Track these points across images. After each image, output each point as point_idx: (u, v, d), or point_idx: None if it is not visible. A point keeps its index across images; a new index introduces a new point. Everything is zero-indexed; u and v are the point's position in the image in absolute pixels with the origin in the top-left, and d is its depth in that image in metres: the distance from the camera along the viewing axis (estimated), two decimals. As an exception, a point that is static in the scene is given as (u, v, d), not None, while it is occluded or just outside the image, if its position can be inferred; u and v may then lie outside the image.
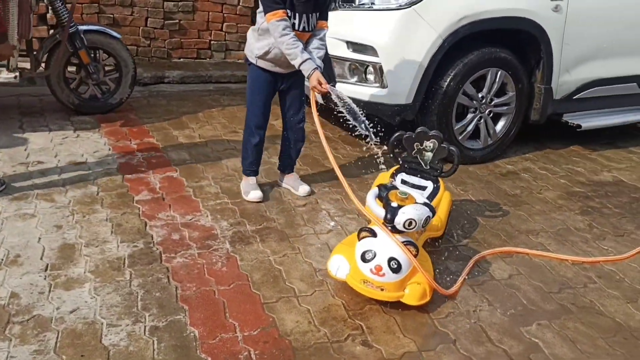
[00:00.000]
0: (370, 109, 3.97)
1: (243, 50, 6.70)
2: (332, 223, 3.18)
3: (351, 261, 2.49)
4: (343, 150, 4.31)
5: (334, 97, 3.09)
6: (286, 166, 3.55)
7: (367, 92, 3.92)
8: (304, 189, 3.47)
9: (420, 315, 2.46)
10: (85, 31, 4.31)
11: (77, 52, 4.28)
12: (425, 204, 2.46)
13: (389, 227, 2.46)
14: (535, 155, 4.56)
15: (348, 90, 3.97)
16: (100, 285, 2.47)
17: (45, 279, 2.48)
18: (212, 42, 6.55)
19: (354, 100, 3.89)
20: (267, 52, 3.10)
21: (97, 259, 2.65)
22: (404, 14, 3.70)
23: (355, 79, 3.98)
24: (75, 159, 3.73)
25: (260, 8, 3.05)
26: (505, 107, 4.21)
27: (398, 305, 2.47)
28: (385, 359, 2.19)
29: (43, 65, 4.37)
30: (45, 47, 4.26)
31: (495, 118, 4.24)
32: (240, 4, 6.52)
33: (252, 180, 3.42)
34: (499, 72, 4.04)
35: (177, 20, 6.29)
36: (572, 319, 2.52)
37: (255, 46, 3.13)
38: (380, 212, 2.44)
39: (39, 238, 2.78)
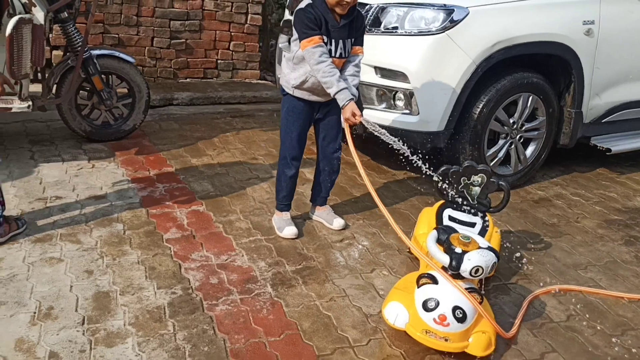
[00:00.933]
0: (400, 136, 3.84)
1: (250, 69, 6.63)
2: (374, 262, 3.03)
3: (410, 309, 2.33)
4: (369, 177, 4.15)
5: (368, 127, 2.98)
6: (319, 198, 3.40)
7: (396, 119, 3.78)
8: (338, 222, 3.32)
9: (484, 365, 2.32)
10: (98, 56, 4.13)
11: (90, 78, 4.10)
12: (489, 248, 2.32)
13: (451, 274, 2.33)
14: (564, 179, 4.46)
15: (376, 117, 3.84)
16: (144, 340, 2.29)
17: (83, 334, 2.29)
18: (219, 61, 6.39)
19: (383, 127, 3.79)
20: (304, 82, 2.96)
21: (136, 309, 2.47)
22: (437, 39, 3.57)
23: (383, 105, 3.84)
24: (94, 193, 3.54)
25: (295, 35, 2.91)
26: (535, 132, 4.10)
27: (460, 356, 2.32)
28: (457, 418, 2.04)
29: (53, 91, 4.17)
30: (56, 74, 4.07)
31: (525, 143, 4.13)
32: (248, 22, 6.38)
33: (286, 215, 3.26)
34: (531, 97, 3.93)
35: (184, 40, 6.13)
36: (641, 366, 2.39)
37: (291, 76, 2.99)
38: (443, 258, 2.30)
39: (71, 286, 2.59)
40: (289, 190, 3.23)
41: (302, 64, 2.93)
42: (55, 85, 4.12)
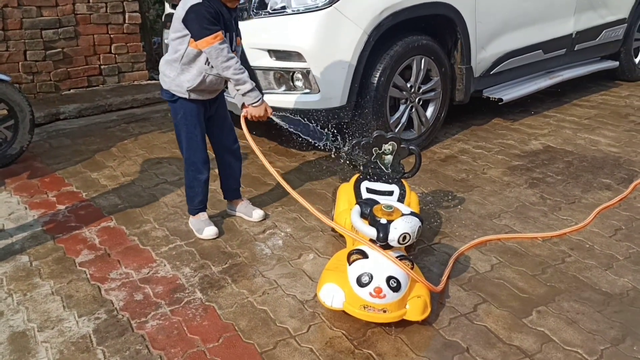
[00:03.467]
0: (304, 115, 3.81)
1: (137, 70, 6.34)
2: (300, 247, 3.00)
3: (345, 287, 2.33)
4: (280, 162, 4.12)
5: (277, 121, 3.01)
6: (232, 192, 3.31)
7: (298, 99, 3.75)
8: (257, 213, 3.25)
9: (424, 329, 2.36)
10: (-32, 79, 3.78)
11: (-38, 104, 3.76)
12: (412, 213, 2.35)
13: (379, 245, 2.34)
14: (465, 134, 4.62)
15: (277, 100, 3.79)
16: (73, 375, 2.14)
17: (4, 382, 2.11)
18: (102, 66, 6.06)
19: (286, 109, 3.76)
20: (202, 82, 2.79)
21: (59, 344, 2.30)
22: (326, 14, 3.55)
23: (283, 87, 3.79)
24: (-11, 227, 3.26)
25: (180, 33, 2.72)
26: (432, 93, 4.21)
27: (399, 324, 2.35)
28: (408, 385, 2.07)
29: None
30: None
31: (424, 105, 4.23)
32: (126, 22, 6.07)
33: (203, 216, 3.13)
34: (423, 59, 4.02)
35: (60, 49, 5.74)
36: (565, 298, 2.52)
37: (182, 79, 2.78)
38: (370, 231, 2.30)
39: (-20, 333, 2.38)
40: (204, 193, 3.10)
41: (194, 64, 2.76)
42: None
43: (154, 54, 6.79)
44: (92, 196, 3.63)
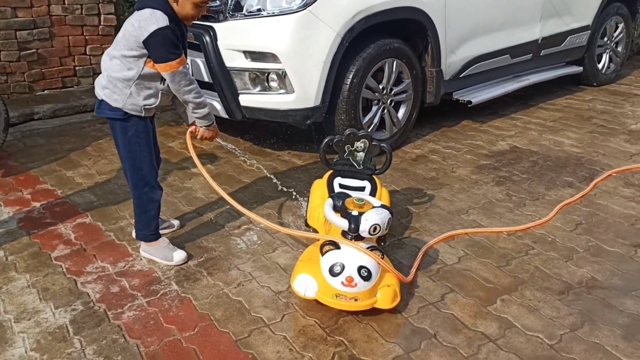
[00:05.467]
0: (278, 116, 3.90)
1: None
2: (274, 241, 3.07)
3: (318, 277, 2.41)
4: (254, 161, 4.18)
5: (221, 143, 3.17)
6: None
7: (273, 100, 3.83)
8: (176, 222, 3.24)
9: (394, 317, 2.45)
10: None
11: (-64, 102, 3.75)
12: (382, 206, 2.44)
13: (352, 237, 2.43)
14: (435, 135, 4.75)
15: (253, 100, 3.88)
16: (51, 363, 2.18)
17: (-19, 371, 2.14)
18: (77, 68, 6.05)
19: (261, 109, 3.85)
20: (158, 100, 2.68)
21: (36, 333, 2.33)
22: (300, 17, 3.64)
23: (258, 88, 3.86)
24: (-37, 224, 3.27)
25: (134, 52, 2.52)
26: (404, 95, 4.32)
27: (370, 312, 2.44)
28: (378, 369, 2.16)
29: None
30: None
31: (396, 106, 4.35)
32: (102, 24, 6.07)
33: (163, 241, 2.90)
34: (395, 62, 4.14)
35: (34, 50, 5.72)
36: (528, 288, 2.64)
37: (139, 98, 2.60)
38: (342, 222, 2.39)
39: (-44, 325, 2.40)
40: (158, 216, 2.90)
41: (151, 83, 2.62)
42: None
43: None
44: (67, 194, 3.66)
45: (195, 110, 2.72)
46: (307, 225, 3.13)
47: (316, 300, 2.44)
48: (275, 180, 3.53)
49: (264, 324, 2.41)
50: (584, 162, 4.12)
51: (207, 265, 2.84)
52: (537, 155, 4.27)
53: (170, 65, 2.51)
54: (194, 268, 2.82)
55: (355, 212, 2.38)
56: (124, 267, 2.83)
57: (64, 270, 2.80)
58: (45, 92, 5.85)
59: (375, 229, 2.36)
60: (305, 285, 2.42)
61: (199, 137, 2.86)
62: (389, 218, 2.41)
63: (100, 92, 2.65)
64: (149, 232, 2.87)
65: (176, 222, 3.22)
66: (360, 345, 2.28)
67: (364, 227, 2.35)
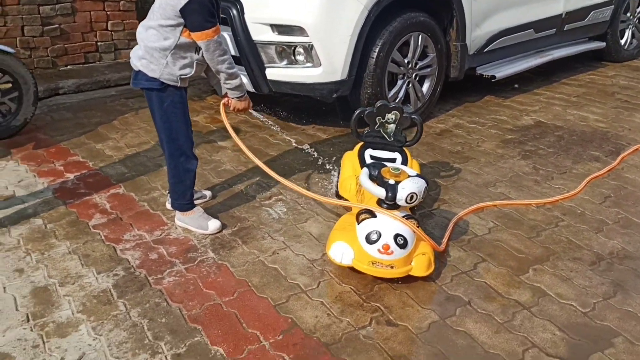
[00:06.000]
0: (305, 90, 3.92)
1: (133, 48, 6.34)
2: (306, 212, 3.12)
3: (354, 245, 2.46)
4: (280, 135, 4.22)
5: (255, 114, 3.06)
6: None
7: (300, 73, 3.85)
8: (208, 193, 3.30)
9: (427, 284, 2.50)
10: (-26, 50, 3.82)
11: (-31, 74, 3.80)
12: (418, 175, 2.48)
13: (387, 206, 2.47)
14: (458, 110, 4.76)
15: (279, 74, 3.90)
16: (98, 324, 2.24)
17: (32, 330, 2.21)
18: (99, 43, 6.08)
19: (287, 83, 3.87)
20: (195, 72, 2.70)
21: (81, 297, 2.40)
22: (328, -10, 3.64)
23: (285, 62, 3.88)
24: (0, 193, 3.32)
25: (171, 22, 2.54)
26: (428, 69, 4.33)
27: (404, 280, 2.48)
28: (415, 333, 2.20)
29: None
30: None
31: (421, 80, 4.35)
32: (123, -1, 6.10)
33: (198, 210, 2.95)
34: (420, 36, 4.14)
35: (57, 25, 5.75)
36: (560, 258, 2.68)
37: (175, 68, 2.62)
38: (379, 191, 2.43)
39: (4, 288, 2.46)
40: (194, 184, 2.94)
41: (184, 52, 2.62)
42: None
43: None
44: (99, 165, 3.72)
45: (228, 81, 2.75)
46: (337, 196, 3.17)
47: (351, 268, 2.50)
48: (307, 150, 3.55)
49: (300, 290, 2.46)
50: (610, 137, 4.12)
51: (241, 234, 2.90)
52: (562, 130, 4.27)
53: (206, 33, 2.54)
54: (229, 237, 2.87)
55: (392, 181, 2.42)
56: (160, 235, 2.89)
57: (103, 237, 2.87)
58: (68, 67, 5.90)
59: (412, 197, 2.40)
60: (341, 252, 2.47)
61: (231, 108, 2.90)
62: (425, 187, 2.45)
63: (137, 63, 2.67)
64: (184, 201, 2.91)
65: (208, 193, 3.26)
66: (396, 311, 2.33)
67: (401, 196, 2.38)
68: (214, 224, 2.91)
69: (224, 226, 2.95)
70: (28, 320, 2.26)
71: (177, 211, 2.96)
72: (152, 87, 2.68)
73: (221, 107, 2.92)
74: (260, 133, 4.24)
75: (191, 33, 2.56)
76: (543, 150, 3.91)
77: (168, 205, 3.10)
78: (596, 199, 3.23)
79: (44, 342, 2.15)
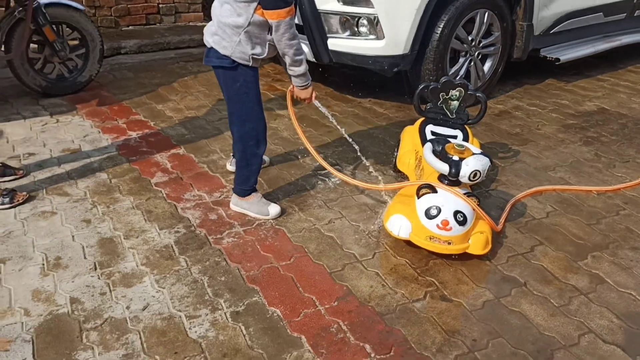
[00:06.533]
0: (366, 62, 3.90)
1: (193, 12, 6.44)
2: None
3: (412, 219, 2.46)
4: (337, 107, 4.22)
5: (319, 106, 2.93)
6: None
7: (362, 45, 3.83)
8: (266, 158, 3.27)
9: (483, 264, 2.50)
10: (47, 5, 3.92)
11: (40, 29, 3.91)
12: (482, 153, 2.46)
13: (447, 182, 2.46)
14: (518, 92, 4.67)
15: (341, 45, 3.89)
16: (161, 277, 2.33)
17: (99, 278, 2.31)
18: (160, 5, 6.17)
19: (349, 54, 3.85)
20: (268, 52, 2.59)
21: (145, 250, 2.50)
22: (397, -39, 3.60)
23: (347, 32, 3.87)
24: (67, 147, 3.45)
25: None
26: (492, 48, 4.25)
27: (460, 257, 2.49)
28: (469, 310, 2.21)
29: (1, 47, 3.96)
30: (3, 28, 3.85)
31: (482, 59, 4.28)
32: (186, -38, 6.16)
33: (257, 195, 2.84)
34: (486, 13, 4.05)
35: (121, -14, 5.87)
36: (619, 247, 2.63)
37: (247, 47, 2.50)
38: (443, 166, 2.42)
39: (72, 236, 2.58)
40: (259, 171, 2.84)
41: (261, 32, 2.52)
42: (3, 41, 3.90)
43: (208, -3, 6.86)
44: (160, 125, 3.81)
45: (291, 67, 2.62)
46: (395, 170, 3.17)
47: (408, 241, 2.51)
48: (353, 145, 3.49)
49: (356, 259, 2.50)
50: (677, 128, 3.98)
51: (297, 202, 2.94)
52: (626, 118, 4.15)
53: (278, 13, 2.41)
54: (286, 203, 2.92)
55: (456, 157, 2.41)
56: (220, 197, 2.96)
57: (164, 195, 2.95)
58: (130, 27, 6.01)
59: (475, 174, 2.39)
60: (399, 225, 2.48)
61: (295, 97, 2.80)
62: (489, 165, 2.43)
63: (210, 39, 2.58)
64: (246, 186, 2.80)
65: (267, 158, 3.31)
66: (451, 287, 2.34)
67: (465, 172, 2.38)
68: (274, 209, 2.81)
69: (283, 211, 2.84)
70: (95, 269, 2.37)
71: (234, 195, 2.85)
72: (223, 66, 2.58)
73: (287, 94, 2.87)
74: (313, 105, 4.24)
75: (264, 11, 2.46)
76: (606, 137, 3.81)
77: (229, 166, 3.17)
78: (660, 191, 3.15)
79: (110, 290, 2.25)
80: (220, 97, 4.36)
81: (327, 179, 3.17)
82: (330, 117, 3.05)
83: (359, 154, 3.16)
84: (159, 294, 2.24)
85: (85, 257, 2.44)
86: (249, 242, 2.59)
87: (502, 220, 2.77)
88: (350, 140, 3.12)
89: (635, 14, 5.18)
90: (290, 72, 2.67)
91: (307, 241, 2.62)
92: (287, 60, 2.59)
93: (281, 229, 2.70)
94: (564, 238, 2.70)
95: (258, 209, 2.81)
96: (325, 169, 2.98)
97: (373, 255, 2.53)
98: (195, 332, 2.06)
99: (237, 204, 2.85)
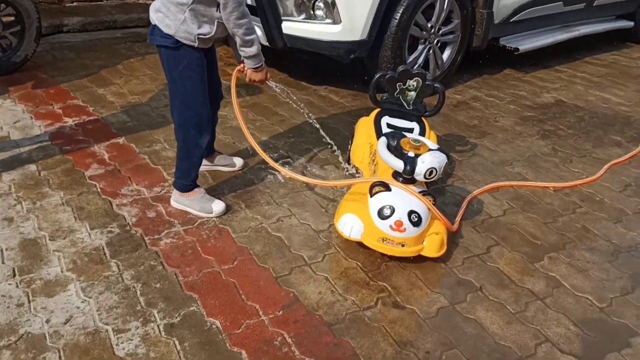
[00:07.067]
0: (321, 48, 3.72)
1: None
2: (313, 177, 2.97)
3: (365, 219, 2.32)
4: (291, 95, 4.03)
5: (273, 86, 2.79)
6: (211, 147, 2.93)
7: (318, 29, 3.64)
8: (239, 161, 3.03)
9: (438, 266, 2.37)
10: (-26, -22, 3.60)
11: (-32, 4, 3.59)
12: (439, 149, 2.32)
13: (402, 179, 2.32)
14: (477, 82, 4.57)
15: (296, 28, 3.69)
16: (88, 284, 2.12)
17: (17, 287, 2.08)
18: (106, -19, 5.83)
19: (304, 39, 3.66)
20: (216, 32, 2.39)
21: (72, 253, 2.28)
22: (354, -59, 3.41)
23: (303, 16, 3.67)
24: (-6, 134, 3.18)
25: None
26: (451, 35, 4.12)
27: (413, 259, 2.36)
28: (423, 318, 2.09)
29: None
30: None
31: (441, 47, 4.15)
32: None
33: (200, 191, 2.64)
34: (447, 0, 3.91)
35: (64, -42, 5.51)
36: (576, 247, 2.55)
37: (193, 26, 2.31)
38: (397, 163, 2.27)
39: (-9, 237, 2.34)
40: (200, 164, 2.65)
41: (208, 9, 2.32)
42: None
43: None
44: (99, 112, 3.55)
45: (242, 48, 2.44)
46: (349, 163, 3.02)
47: (360, 243, 2.37)
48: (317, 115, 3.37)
49: (304, 262, 2.34)
50: (633, 122, 3.94)
51: (244, 198, 2.76)
52: (583, 111, 4.09)
53: None
54: (231, 199, 2.73)
55: (411, 154, 2.26)
56: (160, 192, 2.75)
57: (99, 190, 2.73)
58: (75, 4, 5.65)
59: (431, 172, 2.25)
60: (351, 225, 2.33)
61: (247, 79, 2.60)
62: (446, 162, 2.30)
63: (154, 16, 2.38)
64: (187, 181, 2.60)
65: (239, 161, 3.00)
66: (404, 293, 2.21)
67: (420, 170, 2.23)
68: (218, 206, 2.61)
69: (228, 208, 2.65)
70: (14, 275, 2.14)
71: (175, 191, 2.64)
72: (166, 45, 2.37)
73: (234, 74, 2.66)
74: (270, 89, 4.04)
75: None
76: (563, 131, 3.74)
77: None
78: (616, 187, 3.08)
79: (29, 301, 2.03)
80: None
81: (276, 173, 2.99)
82: (287, 95, 2.85)
83: (330, 142, 3.00)
84: (84, 304, 2.03)
85: (3, 262, 2.20)
86: (189, 243, 2.40)
87: (457, 219, 2.66)
88: (318, 126, 2.95)
89: (594, 4, 5.13)
90: (241, 53, 2.49)
91: (252, 242, 2.44)
92: (238, 40, 2.41)
93: (225, 228, 2.52)
94: (521, 238, 2.60)
95: (200, 206, 2.61)
96: (276, 160, 2.80)
97: (323, 258, 2.38)
98: (123, 348, 1.86)
99: (177, 201, 2.65)
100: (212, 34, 2.38)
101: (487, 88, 4.44)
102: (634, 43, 5.99)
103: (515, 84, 4.59)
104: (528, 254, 2.48)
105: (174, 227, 2.50)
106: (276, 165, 2.64)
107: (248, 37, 2.38)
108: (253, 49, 2.44)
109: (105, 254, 2.30)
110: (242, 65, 2.58)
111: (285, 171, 2.66)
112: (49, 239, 2.36)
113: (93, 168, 2.91)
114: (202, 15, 2.33)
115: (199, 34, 2.34)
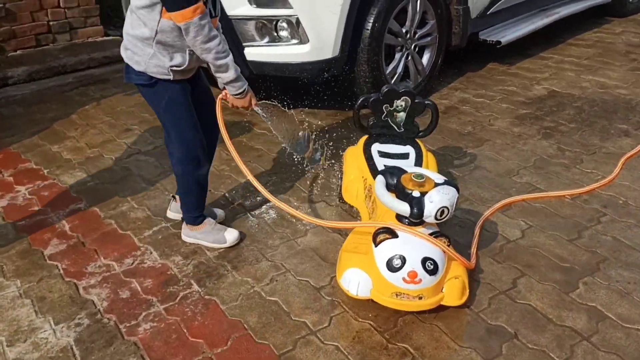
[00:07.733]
0: (291, 71, 3.40)
1: (91, 26, 5.72)
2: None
3: (372, 273, 1.99)
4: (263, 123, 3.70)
5: (260, 113, 2.49)
6: None
7: (284, 52, 3.32)
8: (220, 212, 2.72)
9: (462, 312, 2.05)
10: None
11: None
12: (446, 182, 1.99)
13: (409, 222, 1.99)
14: (461, 82, 4.27)
15: (261, 53, 3.36)
16: (57, 402, 1.77)
17: (-30, 418, 1.73)
18: (51, 23, 5.41)
19: (271, 64, 3.35)
20: (190, 60, 2.20)
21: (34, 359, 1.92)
22: (313, -48, 3.09)
23: (266, 39, 3.34)
24: None
25: (146, 1, 2.06)
26: (428, 38, 3.82)
27: (433, 309, 2.03)
28: (457, 384, 1.77)
29: None
30: None
31: (420, 52, 3.85)
32: (75, -29, 5.43)
33: (210, 222, 2.51)
34: (419, 1, 3.61)
35: (2, 5, 5.07)
36: (611, 265, 2.25)
37: (164, 59, 2.15)
38: (402, 206, 1.94)
39: None
40: (204, 195, 2.50)
41: (176, 38, 2.13)
42: None
43: (107, 7, 6.14)
44: (55, 173, 3.16)
45: (217, 74, 2.22)
46: (341, 200, 2.69)
47: (373, 300, 2.03)
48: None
49: (309, 330, 2.00)
50: (635, 106, 3.68)
51: (230, 257, 2.41)
52: (580, 100, 3.81)
53: (182, 14, 2.01)
54: (215, 261, 2.39)
55: (416, 193, 1.93)
56: (132, 264, 2.39)
57: (61, 272, 2.35)
58: (18, 52, 5.23)
59: (442, 212, 1.92)
60: (357, 282, 2.00)
61: (230, 105, 2.37)
62: (457, 197, 1.97)
63: (124, 55, 2.24)
64: (196, 213, 2.48)
65: (220, 212, 2.70)
66: (429, 353, 1.88)
67: (429, 212, 1.91)
68: (231, 235, 2.49)
69: (242, 235, 2.51)
70: (-35, 403, 1.78)
71: (185, 225, 2.53)
72: (142, 83, 2.24)
73: (217, 103, 2.37)
74: (247, 125, 3.70)
75: (170, 14, 2.05)
76: (564, 126, 3.45)
77: (169, 214, 2.69)
78: (637, 185, 2.80)
79: None
80: (128, 127, 3.75)
81: (262, 220, 2.65)
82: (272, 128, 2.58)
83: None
84: None
85: (-49, 386, 1.84)
86: (173, 325, 2.05)
87: (473, 250, 2.34)
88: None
89: (569, -16, 4.89)
90: (219, 80, 2.27)
91: (245, 313, 2.10)
92: (211, 67, 2.21)
93: (212, 299, 2.17)
94: (547, 263, 2.29)
95: (213, 237, 2.49)
96: (259, 204, 2.47)
97: (329, 322, 2.04)
98: None
99: (189, 235, 2.53)
100: (186, 64, 2.20)
101: (473, 88, 4.14)
102: (613, 17, 5.76)
103: (503, 78, 4.30)
104: (560, 282, 2.17)
105: (152, 306, 2.14)
106: (293, 211, 2.29)
107: (220, 62, 2.16)
108: (229, 74, 2.22)
109: (74, 355, 1.93)
110: (224, 92, 2.34)
111: (306, 217, 2.31)
112: (7, 345, 1.98)
113: (53, 244, 2.53)
114: (171, 46, 2.16)
115: (171, 66, 2.18)
